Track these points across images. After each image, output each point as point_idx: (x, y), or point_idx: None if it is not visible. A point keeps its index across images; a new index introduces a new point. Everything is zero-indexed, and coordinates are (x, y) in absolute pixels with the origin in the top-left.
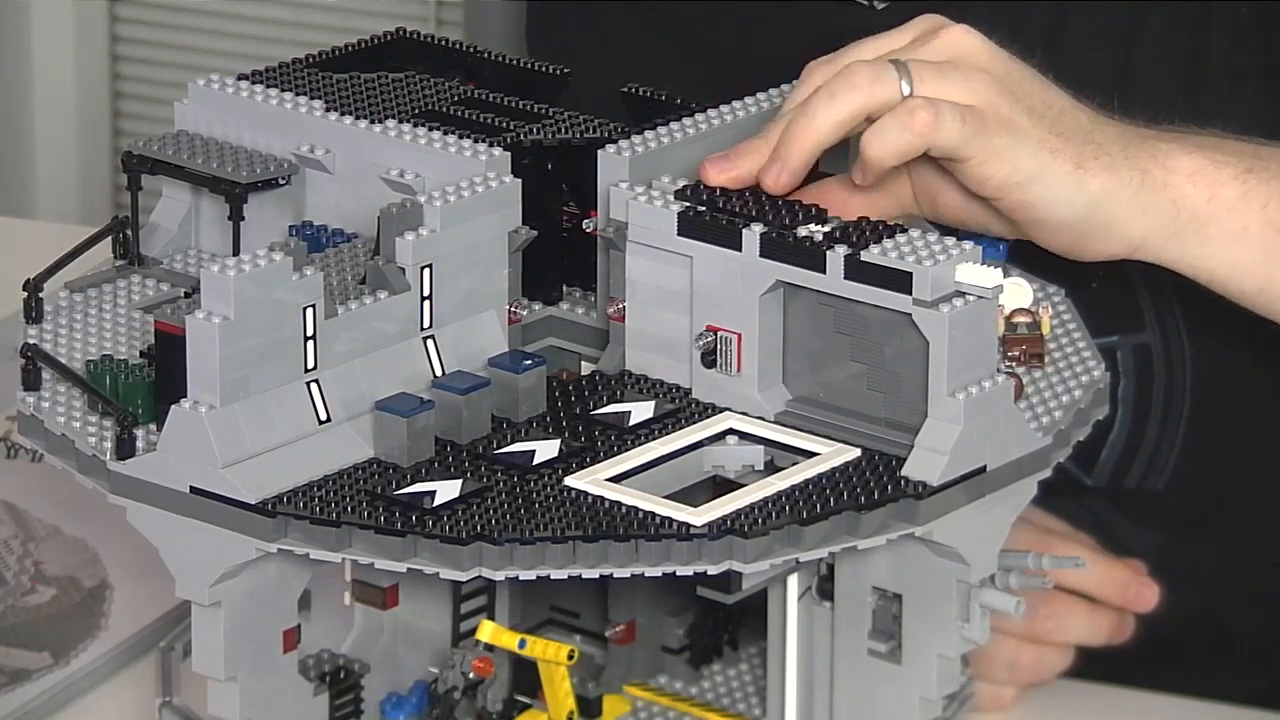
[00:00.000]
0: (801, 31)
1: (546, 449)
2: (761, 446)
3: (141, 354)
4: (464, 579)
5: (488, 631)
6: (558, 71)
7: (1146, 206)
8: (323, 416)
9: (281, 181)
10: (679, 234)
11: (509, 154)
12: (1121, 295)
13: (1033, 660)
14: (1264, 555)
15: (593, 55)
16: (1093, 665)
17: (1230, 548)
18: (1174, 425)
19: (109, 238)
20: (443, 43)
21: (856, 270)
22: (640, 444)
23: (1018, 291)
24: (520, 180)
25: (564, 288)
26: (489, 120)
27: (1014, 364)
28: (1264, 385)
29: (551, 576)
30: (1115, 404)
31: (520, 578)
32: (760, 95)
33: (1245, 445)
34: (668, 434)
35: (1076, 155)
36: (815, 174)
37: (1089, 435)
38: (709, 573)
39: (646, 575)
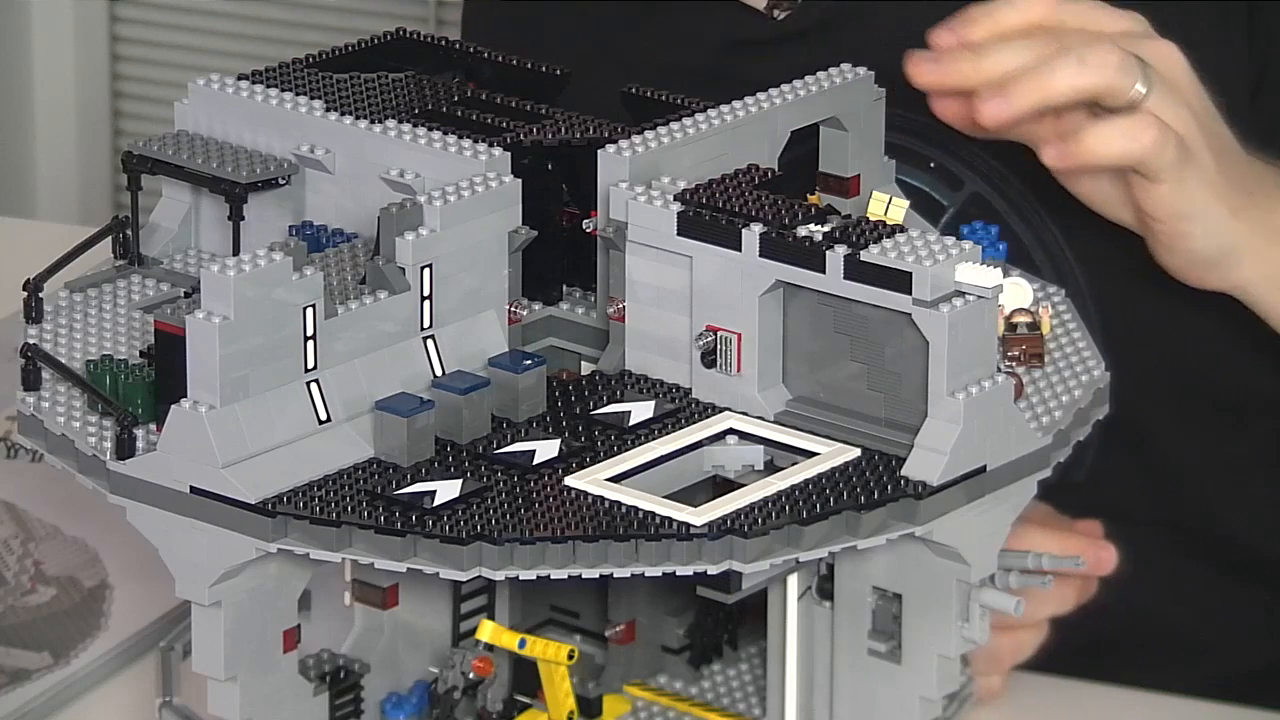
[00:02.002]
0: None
1: (546, 449)
2: (761, 446)
3: (141, 354)
4: (464, 579)
5: (488, 631)
6: (558, 71)
7: (1268, 258)
8: (323, 416)
9: (281, 181)
10: (679, 234)
11: (509, 154)
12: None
13: (1011, 645)
14: (1182, 551)
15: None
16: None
17: (1151, 543)
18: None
19: (109, 238)
20: (443, 43)
21: (856, 270)
22: (640, 444)
23: (1018, 291)
24: (520, 180)
25: (564, 288)
26: (489, 120)
27: (1014, 364)
28: (1180, 385)
29: (551, 576)
30: None
31: (520, 578)
32: (760, 95)
33: (1159, 443)
34: (668, 434)
35: (1232, 201)
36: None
37: None
38: (709, 573)
39: (646, 575)
